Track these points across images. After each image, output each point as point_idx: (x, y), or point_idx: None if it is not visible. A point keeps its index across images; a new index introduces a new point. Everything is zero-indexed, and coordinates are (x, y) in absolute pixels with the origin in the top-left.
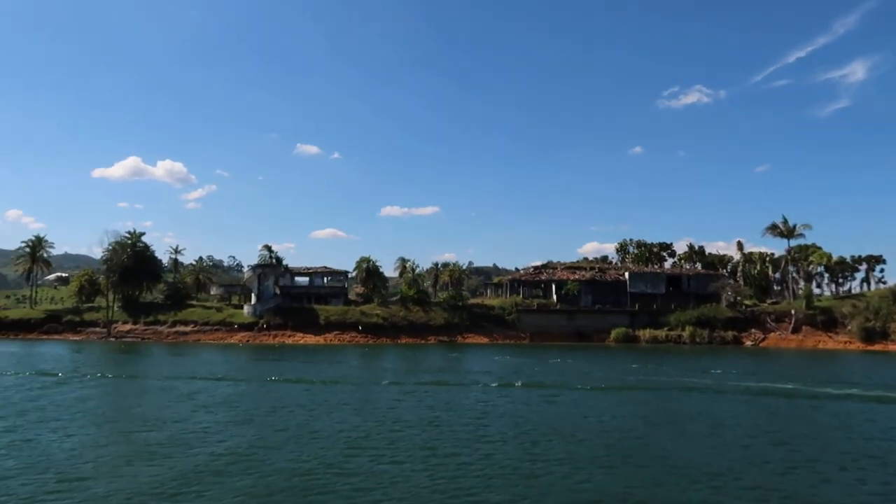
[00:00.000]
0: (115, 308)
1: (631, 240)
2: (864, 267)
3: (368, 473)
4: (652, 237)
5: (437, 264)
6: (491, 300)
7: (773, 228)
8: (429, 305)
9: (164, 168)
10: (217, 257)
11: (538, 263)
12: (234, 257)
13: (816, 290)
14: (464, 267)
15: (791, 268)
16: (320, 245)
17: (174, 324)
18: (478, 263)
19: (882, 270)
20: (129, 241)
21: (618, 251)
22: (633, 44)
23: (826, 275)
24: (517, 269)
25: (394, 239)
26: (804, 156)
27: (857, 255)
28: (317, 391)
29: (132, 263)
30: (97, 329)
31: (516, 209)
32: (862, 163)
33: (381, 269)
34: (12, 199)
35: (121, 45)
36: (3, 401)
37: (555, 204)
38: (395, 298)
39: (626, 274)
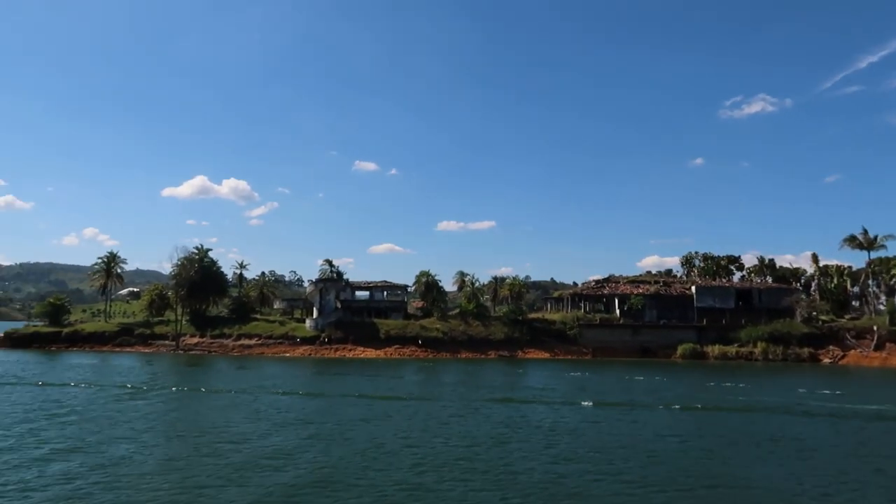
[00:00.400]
0: (183, 321)
1: (696, 252)
2: None
3: (438, 491)
4: (715, 250)
5: (496, 278)
6: (552, 315)
7: (851, 240)
8: (488, 320)
9: (228, 186)
10: (279, 272)
11: (599, 277)
12: (294, 272)
13: None
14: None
15: (871, 281)
16: (378, 260)
17: (239, 337)
18: (535, 278)
19: None
20: (197, 257)
21: (683, 264)
22: (694, 53)
23: None
24: (575, 284)
25: (450, 253)
26: (878, 165)
27: None
28: (381, 407)
29: (199, 278)
30: (166, 342)
31: (574, 223)
32: None
33: (440, 284)
34: (90, 218)
35: (186, 71)
36: (85, 412)
37: (613, 217)
38: (454, 312)
39: (693, 288)
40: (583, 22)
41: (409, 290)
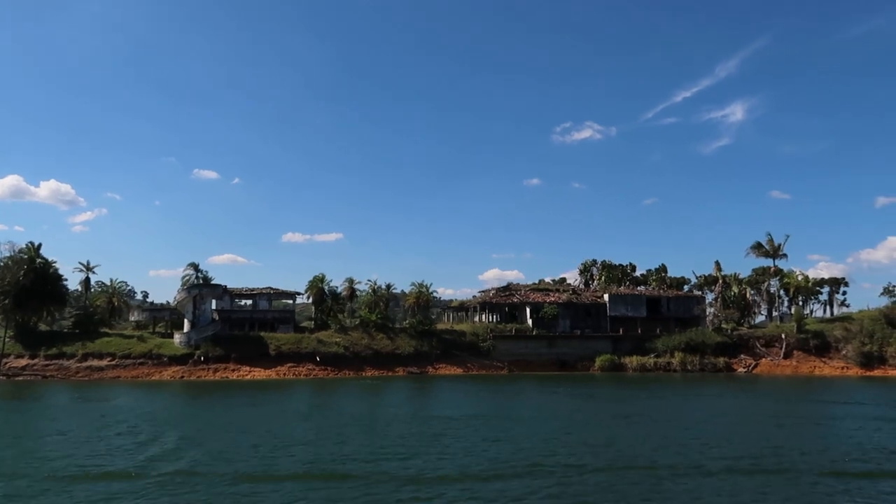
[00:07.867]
0: (6, 339)
1: (594, 261)
2: (826, 290)
3: None
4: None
5: (388, 285)
6: (460, 325)
7: (757, 248)
8: (394, 332)
9: (48, 188)
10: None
11: (498, 286)
12: (125, 283)
13: (775, 313)
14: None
15: (751, 290)
16: (219, 270)
17: (85, 357)
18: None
19: (844, 293)
20: (27, 257)
21: (581, 273)
22: (529, 80)
23: (786, 298)
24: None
25: (296, 265)
26: (689, 190)
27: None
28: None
29: (30, 283)
30: None
31: (419, 237)
32: (740, 198)
33: (337, 291)
34: None
35: (4, 62)
36: None
37: (457, 233)
38: (355, 324)
39: (606, 296)
40: (427, 49)
41: (298, 297)
